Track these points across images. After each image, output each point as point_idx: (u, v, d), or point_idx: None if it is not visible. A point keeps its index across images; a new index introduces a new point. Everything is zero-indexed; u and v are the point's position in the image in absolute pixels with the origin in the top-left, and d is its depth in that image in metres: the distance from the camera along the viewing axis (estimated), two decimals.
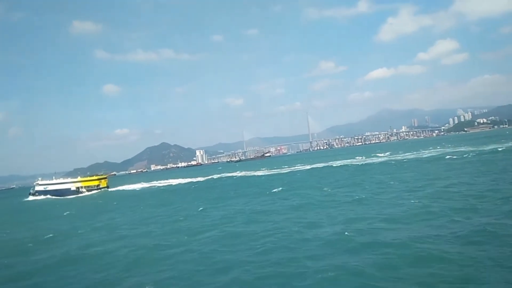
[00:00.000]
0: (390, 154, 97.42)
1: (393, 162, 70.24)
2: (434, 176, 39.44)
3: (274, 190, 45.10)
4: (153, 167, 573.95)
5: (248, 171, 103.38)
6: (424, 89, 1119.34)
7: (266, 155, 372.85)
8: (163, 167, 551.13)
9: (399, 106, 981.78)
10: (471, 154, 63.57)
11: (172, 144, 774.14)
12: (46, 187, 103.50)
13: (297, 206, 31.44)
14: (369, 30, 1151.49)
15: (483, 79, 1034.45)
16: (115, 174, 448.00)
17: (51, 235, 31.84)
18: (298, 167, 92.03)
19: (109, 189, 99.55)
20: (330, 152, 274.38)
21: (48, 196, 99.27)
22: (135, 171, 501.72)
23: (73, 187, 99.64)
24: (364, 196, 31.55)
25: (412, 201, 26.31)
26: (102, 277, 17.67)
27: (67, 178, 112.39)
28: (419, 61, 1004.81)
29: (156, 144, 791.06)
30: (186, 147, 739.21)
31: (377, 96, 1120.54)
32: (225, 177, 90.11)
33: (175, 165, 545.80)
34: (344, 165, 79.23)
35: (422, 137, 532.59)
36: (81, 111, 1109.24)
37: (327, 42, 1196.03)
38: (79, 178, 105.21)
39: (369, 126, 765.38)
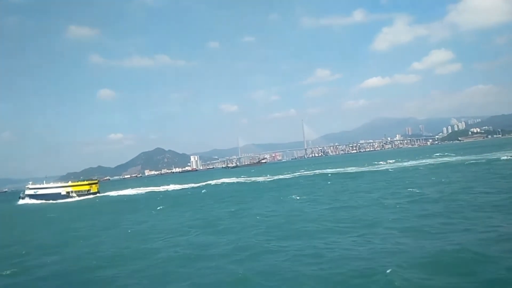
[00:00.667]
0: (394, 162, 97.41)
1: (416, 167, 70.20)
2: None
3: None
4: (147, 172, 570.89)
5: (248, 177, 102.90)
6: (418, 98, 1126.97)
7: (262, 161, 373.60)
8: (158, 172, 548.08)
9: (393, 115, 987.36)
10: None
11: (166, 149, 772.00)
12: (36, 191, 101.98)
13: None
14: (365, 39, 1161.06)
15: (477, 89, 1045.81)
16: (109, 179, 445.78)
17: None
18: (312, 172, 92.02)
19: (100, 194, 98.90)
20: (326, 160, 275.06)
21: (36, 200, 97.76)
22: (129, 176, 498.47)
23: (63, 191, 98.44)
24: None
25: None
26: None
27: (59, 182, 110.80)
28: (414, 70, 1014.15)
29: (150, 149, 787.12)
30: (180, 152, 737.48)
31: (372, 104, 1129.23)
32: (231, 182, 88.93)
33: (170, 171, 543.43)
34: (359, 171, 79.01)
35: (416, 145, 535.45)
36: (75, 115, 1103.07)
37: (323, 50, 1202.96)
38: (69, 183, 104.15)
39: (363, 134, 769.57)
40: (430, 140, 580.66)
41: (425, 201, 29.38)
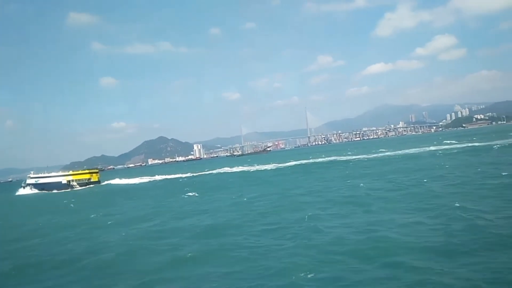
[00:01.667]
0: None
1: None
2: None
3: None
4: (150, 161, 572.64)
5: (258, 165, 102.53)
6: (421, 85, 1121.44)
7: (267, 149, 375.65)
8: (161, 161, 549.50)
9: (396, 102, 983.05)
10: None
11: (169, 138, 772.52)
12: (37, 181, 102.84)
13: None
14: (367, 25, 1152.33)
15: (481, 75, 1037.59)
16: (113, 168, 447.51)
17: None
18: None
19: (101, 183, 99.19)
20: (329, 147, 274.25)
21: (36, 190, 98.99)
22: (133, 165, 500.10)
23: (64, 180, 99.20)
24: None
25: None
26: None
27: (64, 171, 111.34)
28: (417, 56, 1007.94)
29: (153, 138, 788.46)
30: (183, 141, 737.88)
31: (375, 91, 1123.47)
32: (254, 170, 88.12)
33: (173, 159, 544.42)
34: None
35: (420, 132, 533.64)
36: (78, 104, 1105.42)
37: (325, 37, 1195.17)
38: (70, 172, 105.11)
39: (366, 121, 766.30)
40: (434, 127, 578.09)
41: None
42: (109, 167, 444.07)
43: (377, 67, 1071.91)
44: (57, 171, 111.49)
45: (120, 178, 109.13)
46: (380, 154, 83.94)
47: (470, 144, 79.28)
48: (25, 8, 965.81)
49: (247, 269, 15.34)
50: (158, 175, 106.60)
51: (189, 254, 18.18)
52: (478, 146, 71.78)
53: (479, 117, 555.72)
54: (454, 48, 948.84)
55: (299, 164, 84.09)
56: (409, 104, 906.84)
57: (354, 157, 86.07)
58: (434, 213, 20.47)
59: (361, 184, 36.08)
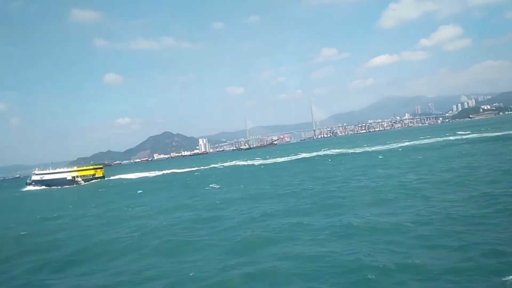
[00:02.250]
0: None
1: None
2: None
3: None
4: (156, 156, 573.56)
5: (269, 159, 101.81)
6: (427, 76, 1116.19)
7: (274, 143, 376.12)
8: (167, 156, 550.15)
9: (402, 93, 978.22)
10: None
11: (174, 133, 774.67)
12: (42, 177, 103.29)
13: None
14: (371, 16, 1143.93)
15: (487, 65, 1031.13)
16: (120, 163, 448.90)
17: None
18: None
19: (106, 179, 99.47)
20: (336, 140, 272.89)
21: (42, 186, 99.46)
22: (139, 160, 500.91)
23: (68, 176, 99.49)
24: None
25: None
26: None
27: (70, 167, 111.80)
28: (422, 47, 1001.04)
29: (158, 133, 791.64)
30: (188, 136, 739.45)
31: (380, 83, 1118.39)
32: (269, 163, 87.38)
33: (179, 154, 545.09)
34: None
35: (427, 124, 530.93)
36: (83, 101, 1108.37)
37: (329, 29, 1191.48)
38: (75, 168, 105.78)
39: (371, 113, 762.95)
40: (441, 119, 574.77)
41: None
42: (115, 162, 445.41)
43: (381, 59, 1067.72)
44: (63, 167, 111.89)
45: (128, 173, 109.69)
46: (402, 144, 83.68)
47: (486, 134, 78.28)
48: (28, 6, 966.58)
49: None
50: (170, 169, 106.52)
51: None
52: (498, 135, 70.57)
53: (486, 108, 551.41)
54: (459, 38, 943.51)
55: (321, 155, 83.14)
56: (414, 96, 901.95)
57: (372, 148, 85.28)
58: None
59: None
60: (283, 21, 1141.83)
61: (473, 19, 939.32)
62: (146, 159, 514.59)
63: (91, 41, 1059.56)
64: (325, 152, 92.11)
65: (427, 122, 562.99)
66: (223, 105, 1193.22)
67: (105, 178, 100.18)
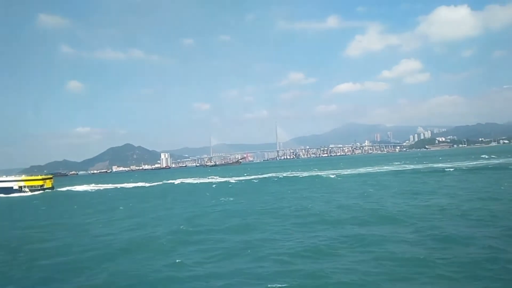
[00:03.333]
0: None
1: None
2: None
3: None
4: (115, 168, 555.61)
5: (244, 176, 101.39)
6: (387, 106, 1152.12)
7: (240, 161, 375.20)
8: (126, 168, 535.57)
9: (362, 121, 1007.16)
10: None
11: (136, 145, 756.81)
12: None
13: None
14: (338, 45, 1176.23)
15: (443, 99, 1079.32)
16: (76, 174, 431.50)
17: None
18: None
19: (55, 190, 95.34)
20: (299, 162, 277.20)
21: None
22: (97, 171, 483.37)
23: (15, 185, 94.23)
24: None
25: None
26: None
27: (23, 175, 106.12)
28: (384, 78, 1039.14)
29: (119, 145, 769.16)
30: (150, 149, 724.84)
31: (343, 110, 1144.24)
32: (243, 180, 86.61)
33: (139, 167, 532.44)
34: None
35: (385, 152, 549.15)
36: (41, 107, 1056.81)
37: (297, 54, 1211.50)
38: (22, 177, 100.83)
39: (333, 138, 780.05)
40: (398, 147, 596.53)
41: None
42: (71, 173, 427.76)
43: (345, 86, 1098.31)
44: (14, 175, 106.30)
45: (82, 184, 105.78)
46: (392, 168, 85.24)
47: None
48: None
49: None
50: (139, 182, 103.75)
51: None
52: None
53: (441, 140, 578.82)
54: (419, 72, 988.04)
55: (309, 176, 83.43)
56: (374, 124, 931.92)
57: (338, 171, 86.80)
58: None
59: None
60: (253, 42, 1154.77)
61: (432, 55, 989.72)
62: (105, 170, 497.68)
63: (56, 47, 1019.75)
64: (310, 173, 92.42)
65: (385, 150, 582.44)
66: (187, 120, 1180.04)
67: (55, 189, 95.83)
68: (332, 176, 70.47)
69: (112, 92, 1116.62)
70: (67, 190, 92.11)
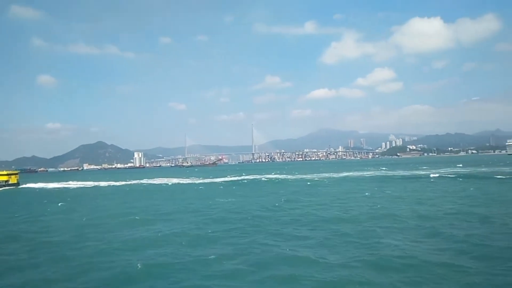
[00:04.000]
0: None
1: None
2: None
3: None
4: (86, 166, 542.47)
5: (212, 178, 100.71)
6: (360, 113, 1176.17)
7: (217, 162, 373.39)
8: (98, 167, 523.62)
9: (337, 127, 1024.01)
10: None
11: (109, 143, 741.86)
12: None
13: None
14: (314, 51, 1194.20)
15: (414, 108, 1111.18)
16: (46, 170, 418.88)
17: None
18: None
19: (20, 186, 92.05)
20: (275, 165, 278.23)
21: None
22: (68, 169, 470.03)
23: None
24: None
25: None
26: None
27: None
28: (358, 85, 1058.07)
29: (91, 143, 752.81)
30: (123, 148, 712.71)
31: (318, 115, 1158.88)
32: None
33: (111, 166, 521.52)
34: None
35: (358, 157, 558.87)
36: (10, 100, 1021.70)
37: (274, 58, 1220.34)
38: None
39: (308, 143, 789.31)
40: (371, 154, 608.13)
41: None
42: (41, 169, 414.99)
43: (321, 92, 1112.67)
44: None
45: (51, 181, 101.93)
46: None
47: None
48: None
49: None
50: (106, 180, 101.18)
51: None
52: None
53: (412, 148, 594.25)
54: (392, 81, 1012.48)
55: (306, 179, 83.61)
56: (348, 130, 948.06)
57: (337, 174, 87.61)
58: None
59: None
60: (231, 44, 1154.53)
61: (405, 65, 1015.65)
62: (76, 168, 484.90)
63: (28, 39, 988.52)
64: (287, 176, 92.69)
65: (359, 156, 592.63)
66: (163, 120, 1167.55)
67: (20, 186, 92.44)
68: (326, 181, 70.86)
69: (85, 88, 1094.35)
70: (30, 187, 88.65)
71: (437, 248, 17.69)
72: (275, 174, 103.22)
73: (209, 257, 17.49)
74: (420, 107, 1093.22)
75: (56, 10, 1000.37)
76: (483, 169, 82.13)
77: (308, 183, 64.68)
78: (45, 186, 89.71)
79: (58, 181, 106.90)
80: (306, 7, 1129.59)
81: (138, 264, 16.66)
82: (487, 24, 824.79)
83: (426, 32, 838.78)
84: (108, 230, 25.75)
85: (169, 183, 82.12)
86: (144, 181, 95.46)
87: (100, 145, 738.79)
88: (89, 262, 17.61)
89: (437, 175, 68.01)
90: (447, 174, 69.16)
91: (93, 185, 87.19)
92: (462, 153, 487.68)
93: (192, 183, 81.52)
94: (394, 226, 23.42)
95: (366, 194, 42.31)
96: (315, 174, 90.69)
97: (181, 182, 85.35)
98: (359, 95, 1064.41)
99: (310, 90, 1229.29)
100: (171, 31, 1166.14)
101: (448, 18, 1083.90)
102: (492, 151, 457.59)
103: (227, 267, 16.11)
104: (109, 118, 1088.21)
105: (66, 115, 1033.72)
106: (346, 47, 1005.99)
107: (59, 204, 44.10)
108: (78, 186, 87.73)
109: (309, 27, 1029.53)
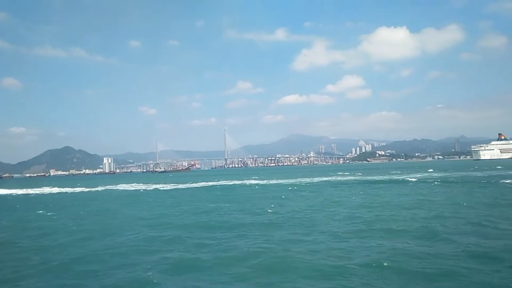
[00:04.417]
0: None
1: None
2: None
3: None
4: (53, 172, 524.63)
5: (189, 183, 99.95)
6: (330, 119, 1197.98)
7: (190, 168, 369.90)
8: (66, 172, 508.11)
9: (308, 132, 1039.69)
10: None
11: (76, 149, 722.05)
12: None
13: None
14: (286, 58, 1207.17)
15: (382, 115, 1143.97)
16: (12, 176, 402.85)
17: None
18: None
19: None
20: (248, 170, 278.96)
21: None
22: (35, 174, 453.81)
23: None
24: None
25: None
26: None
27: None
28: (328, 92, 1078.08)
29: (58, 148, 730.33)
30: (92, 153, 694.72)
31: (289, 120, 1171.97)
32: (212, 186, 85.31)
33: (80, 171, 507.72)
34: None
35: (330, 163, 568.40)
36: None
37: (245, 63, 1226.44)
38: None
39: (280, 148, 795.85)
40: (342, 159, 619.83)
41: None
42: (5, 175, 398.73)
43: (292, 98, 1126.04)
44: None
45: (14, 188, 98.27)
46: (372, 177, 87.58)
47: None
48: None
49: None
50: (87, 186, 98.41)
51: None
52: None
53: (381, 153, 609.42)
54: (361, 88, 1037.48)
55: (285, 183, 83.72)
56: (319, 136, 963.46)
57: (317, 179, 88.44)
58: None
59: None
60: (202, 49, 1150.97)
61: (373, 72, 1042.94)
62: (42, 174, 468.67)
63: None
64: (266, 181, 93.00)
65: (330, 161, 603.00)
66: (132, 124, 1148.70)
67: None
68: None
69: (52, 92, 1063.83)
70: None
71: None
72: (254, 179, 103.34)
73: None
74: (388, 114, 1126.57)
75: (21, 12, 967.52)
76: (461, 174, 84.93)
77: (290, 188, 65.21)
78: (13, 193, 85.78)
79: (26, 187, 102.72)
80: (277, 14, 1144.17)
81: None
82: (451, 35, 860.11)
83: (393, 41, 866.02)
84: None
85: (149, 189, 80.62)
86: (120, 186, 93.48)
87: (68, 150, 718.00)
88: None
89: (414, 179, 70.03)
90: (425, 179, 71.39)
91: (72, 191, 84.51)
92: (429, 159, 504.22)
93: (176, 188, 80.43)
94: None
95: (354, 198, 43.02)
96: (294, 179, 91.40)
97: (165, 187, 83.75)
98: (329, 101, 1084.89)
99: (282, 96, 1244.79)
100: (141, 35, 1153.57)
101: (414, 28, 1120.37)
102: (458, 156, 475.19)
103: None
104: (77, 123, 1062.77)
105: (32, 119, 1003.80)
106: (316, 54, 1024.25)
107: (40, 212, 42.38)
108: (54, 191, 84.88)
109: (280, 34, 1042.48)
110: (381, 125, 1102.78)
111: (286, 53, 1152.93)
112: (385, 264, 15.64)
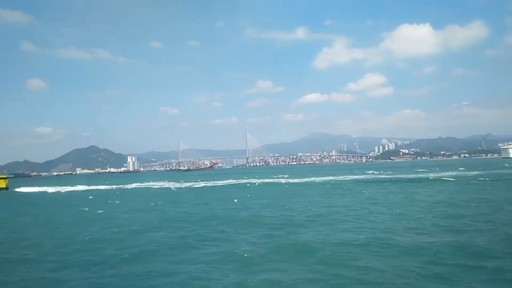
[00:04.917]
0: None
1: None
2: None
3: None
4: (78, 171, 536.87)
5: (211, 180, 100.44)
6: (352, 117, 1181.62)
7: (214, 166, 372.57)
8: (92, 171, 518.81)
9: (329, 131, 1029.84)
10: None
11: (101, 148, 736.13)
12: None
13: None
14: (306, 56, 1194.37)
15: (406, 113, 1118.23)
16: (40, 175, 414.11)
17: None
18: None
19: (9, 190, 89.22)
20: (270, 169, 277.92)
21: None
22: (62, 173, 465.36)
23: None
24: None
25: None
26: None
27: None
28: (349, 90, 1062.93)
29: (83, 147, 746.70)
30: (116, 152, 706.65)
31: (310, 119, 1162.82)
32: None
33: (105, 170, 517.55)
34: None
35: (352, 161, 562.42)
36: (0, 105, 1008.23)
37: (266, 62, 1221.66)
38: None
39: (301, 147, 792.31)
40: (365, 158, 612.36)
41: None
42: (33, 174, 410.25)
43: (313, 97, 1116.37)
44: None
45: (45, 186, 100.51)
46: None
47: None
48: None
49: None
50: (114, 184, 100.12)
51: None
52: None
53: (405, 151, 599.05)
54: (383, 86, 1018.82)
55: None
56: (341, 134, 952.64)
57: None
58: None
59: None
60: (222, 49, 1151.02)
61: (395, 70, 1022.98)
62: (69, 172, 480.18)
63: (17, 44, 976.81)
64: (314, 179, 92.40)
65: (352, 160, 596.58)
66: (155, 124, 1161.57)
67: (9, 190, 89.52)
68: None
69: (77, 92, 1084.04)
70: (22, 192, 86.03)
71: None
72: (282, 177, 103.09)
73: None
74: (411, 112, 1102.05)
75: (46, 15, 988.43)
76: (496, 172, 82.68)
77: (328, 185, 64.75)
78: (38, 190, 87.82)
79: (56, 185, 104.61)
80: (297, 13, 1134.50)
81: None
82: (475, 31, 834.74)
83: (416, 38, 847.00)
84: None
85: (196, 186, 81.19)
86: (151, 184, 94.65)
87: (93, 149, 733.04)
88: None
89: (452, 178, 68.35)
90: (462, 177, 69.84)
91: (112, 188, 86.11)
92: (454, 157, 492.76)
93: (215, 185, 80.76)
94: None
95: (415, 196, 42.28)
96: (325, 177, 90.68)
97: (208, 185, 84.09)
98: (350, 99, 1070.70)
99: (303, 94, 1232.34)
100: (162, 36, 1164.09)
101: (437, 25, 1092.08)
102: (484, 154, 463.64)
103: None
104: (101, 123, 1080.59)
105: (58, 119, 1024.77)
106: (337, 52, 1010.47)
107: (85, 209, 43.06)
108: (86, 189, 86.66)
109: (300, 33, 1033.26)
110: (404, 123, 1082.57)
111: (306, 51, 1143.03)
112: None
